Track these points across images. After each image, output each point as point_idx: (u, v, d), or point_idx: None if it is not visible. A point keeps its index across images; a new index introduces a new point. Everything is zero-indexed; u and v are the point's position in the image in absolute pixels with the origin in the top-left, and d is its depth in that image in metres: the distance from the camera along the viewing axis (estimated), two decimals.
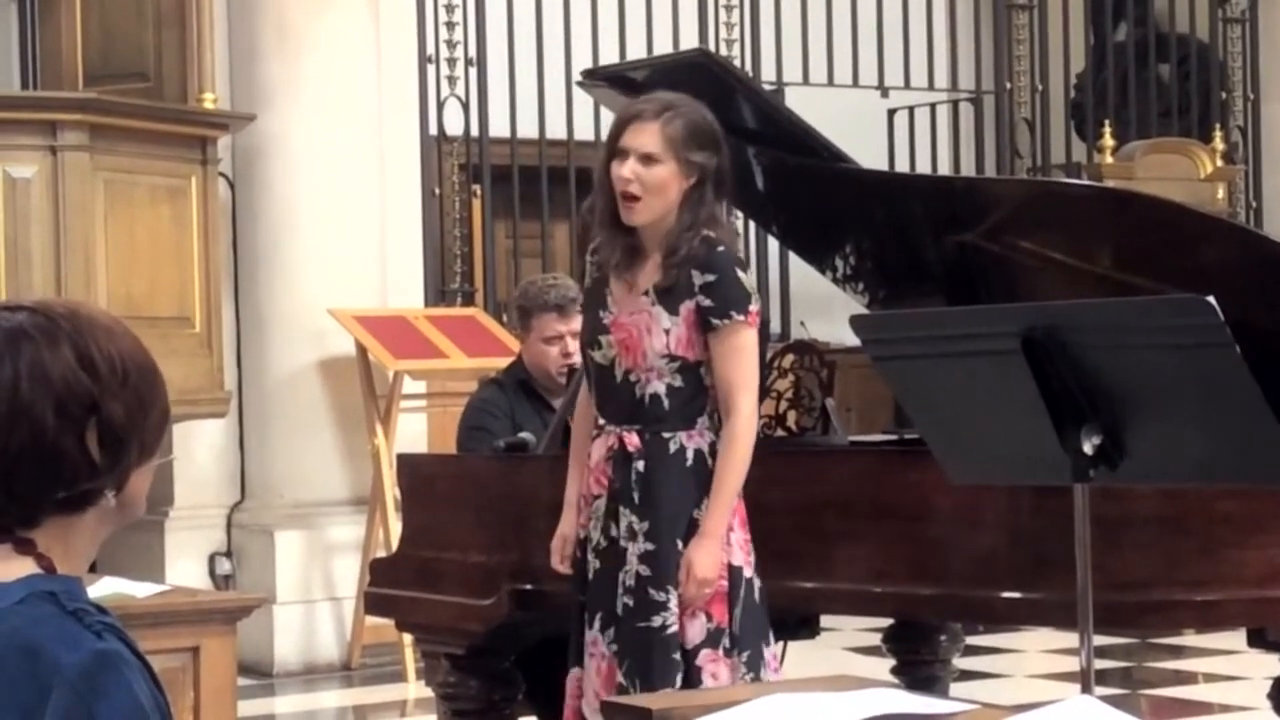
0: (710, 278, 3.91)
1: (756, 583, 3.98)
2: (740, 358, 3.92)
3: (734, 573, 3.93)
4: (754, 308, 3.95)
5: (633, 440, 3.96)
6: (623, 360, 3.97)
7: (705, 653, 3.91)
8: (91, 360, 1.85)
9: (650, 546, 3.93)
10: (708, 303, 3.91)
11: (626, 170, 3.93)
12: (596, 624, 3.98)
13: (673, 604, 3.90)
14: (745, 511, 3.99)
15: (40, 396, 1.82)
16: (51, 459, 1.83)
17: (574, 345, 4.73)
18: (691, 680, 3.89)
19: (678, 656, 3.90)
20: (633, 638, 3.92)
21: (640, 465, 3.95)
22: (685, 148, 3.93)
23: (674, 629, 3.90)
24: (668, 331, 3.93)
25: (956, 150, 10.82)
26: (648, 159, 3.93)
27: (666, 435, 3.95)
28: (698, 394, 3.95)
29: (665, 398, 3.95)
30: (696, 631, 3.91)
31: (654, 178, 3.93)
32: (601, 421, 4.03)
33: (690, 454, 3.95)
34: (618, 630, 3.94)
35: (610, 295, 4.01)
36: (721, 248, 3.94)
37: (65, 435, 1.83)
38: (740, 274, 3.94)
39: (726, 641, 3.92)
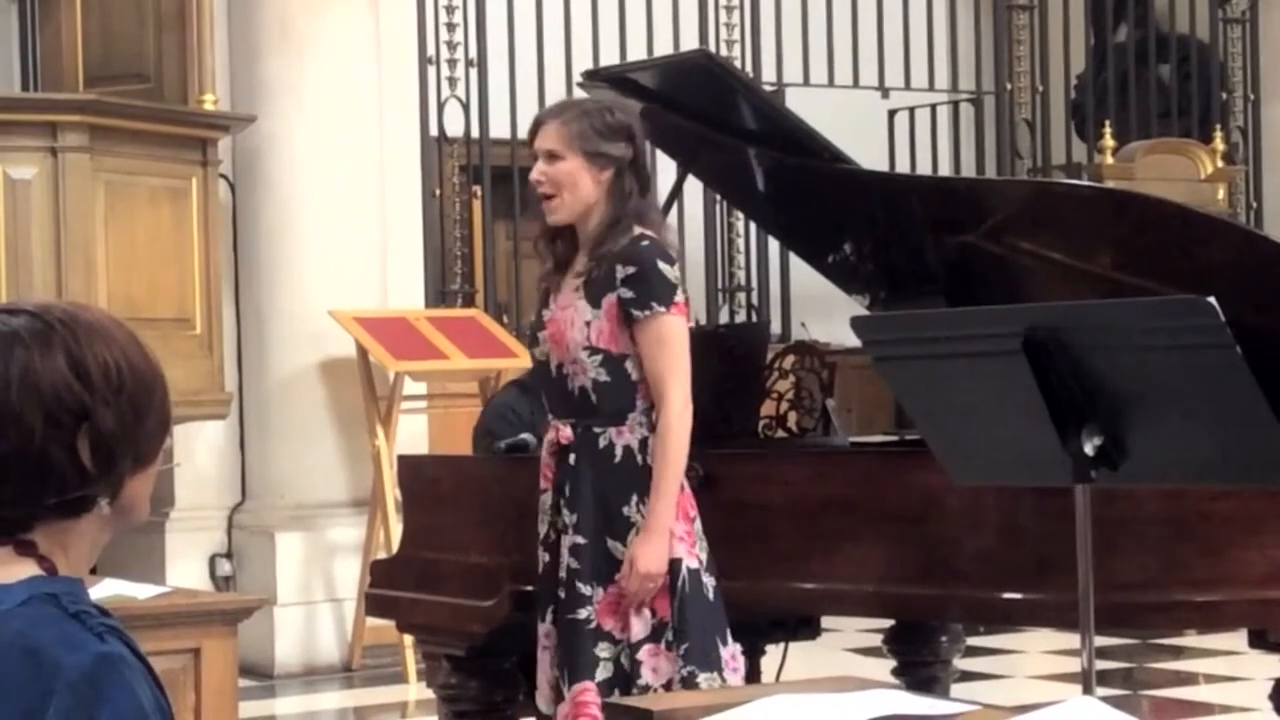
0: (631, 270, 3.96)
1: (706, 577, 3.99)
2: (665, 349, 3.95)
3: (673, 565, 3.95)
4: (678, 299, 3.98)
5: (566, 434, 4.03)
6: (555, 354, 4.05)
7: (647, 647, 3.95)
8: (85, 367, 1.84)
9: (579, 540, 3.99)
10: (629, 294, 3.96)
11: (535, 171, 4.07)
12: (548, 617, 4.05)
13: (596, 598, 3.95)
14: (691, 504, 4.01)
15: (29, 403, 1.81)
16: (40, 466, 1.82)
17: None
18: (634, 675, 3.93)
19: (599, 650, 3.94)
20: (562, 630, 3.99)
21: (572, 459, 4.02)
22: (588, 140, 4.01)
23: (595, 623, 3.95)
24: (589, 324, 3.99)
25: (957, 151, 10.82)
26: (551, 156, 4.03)
27: (597, 430, 4.01)
28: (626, 388, 3.99)
29: (592, 392, 4.00)
30: (640, 627, 3.95)
31: (559, 172, 4.02)
32: (550, 417, 4.12)
33: (619, 450, 3.99)
34: (557, 624, 4.02)
35: (553, 295, 4.09)
36: (646, 242, 3.99)
37: (54, 443, 1.82)
38: (663, 266, 3.97)
39: (669, 635, 3.95)
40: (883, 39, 10.12)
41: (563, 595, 3.99)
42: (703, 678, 3.91)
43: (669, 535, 3.93)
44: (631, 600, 3.93)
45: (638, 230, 4.00)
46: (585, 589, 3.96)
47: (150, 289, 7.25)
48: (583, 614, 3.96)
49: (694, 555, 3.99)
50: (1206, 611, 3.86)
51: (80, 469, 1.83)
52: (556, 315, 4.04)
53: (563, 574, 4.00)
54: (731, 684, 3.96)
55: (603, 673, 3.94)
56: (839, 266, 4.91)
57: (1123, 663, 7.89)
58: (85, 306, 1.91)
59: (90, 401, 1.83)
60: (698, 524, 4.03)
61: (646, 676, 3.92)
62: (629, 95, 4.68)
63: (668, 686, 3.90)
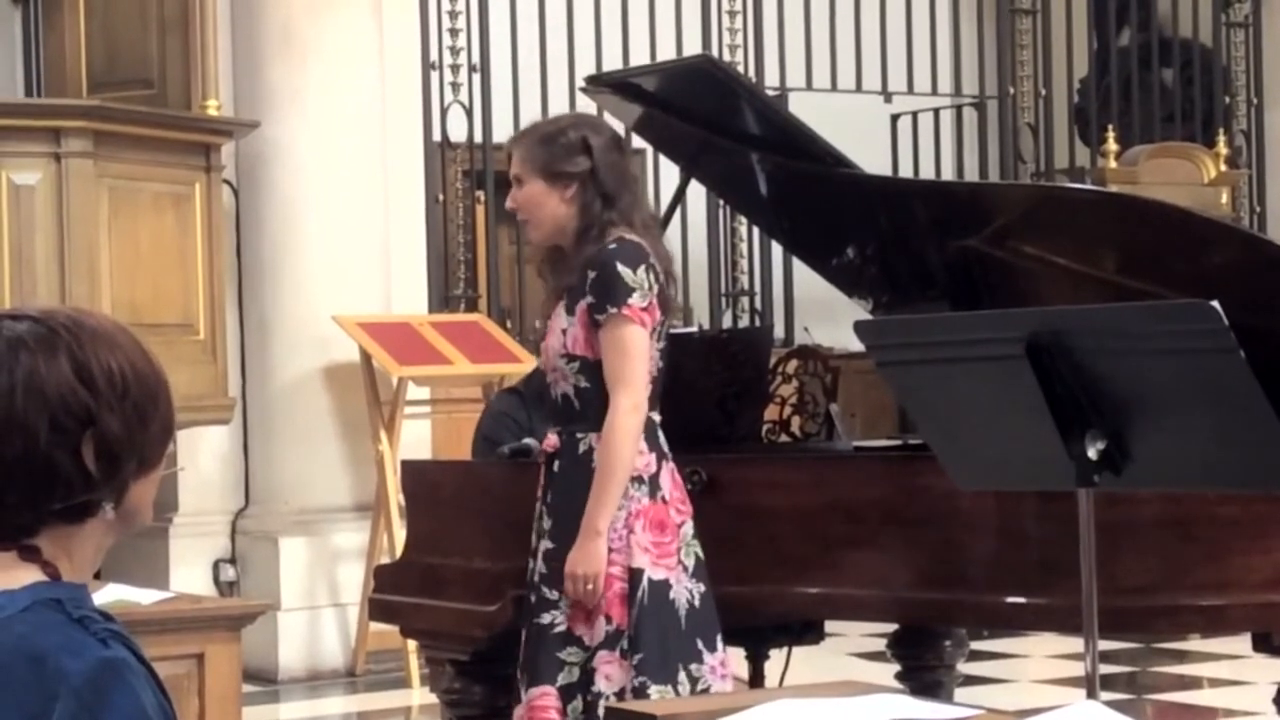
0: (594, 274, 3.98)
1: (684, 586, 3.98)
2: (616, 352, 3.95)
3: (634, 575, 3.95)
4: (635, 301, 3.95)
5: (551, 441, 4.06)
6: (543, 364, 4.12)
7: (602, 654, 3.95)
8: (90, 373, 1.84)
9: (550, 545, 4.01)
10: (591, 299, 3.98)
11: (509, 199, 4.15)
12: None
13: (564, 603, 3.96)
14: (672, 512, 4.00)
15: (35, 409, 1.81)
16: (45, 471, 1.82)
17: None
18: (588, 681, 3.93)
19: (566, 655, 3.95)
20: (527, 633, 4.01)
21: (556, 465, 4.05)
22: (542, 161, 4.06)
23: (562, 628, 3.96)
24: (564, 331, 4.02)
25: (960, 155, 10.82)
26: (516, 181, 4.12)
27: (579, 436, 4.02)
28: (606, 393, 3.98)
29: (574, 399, 4.02)
30: (598, 632, 3.95)
31: (523, 196, 4.10)
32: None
33: (597, 455, 3.98)
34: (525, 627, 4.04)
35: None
36: (614, 244, 4.00)
37: (59, 448, 1.82)
38: (623, 268, 3.96)
39: (624, 643, 3.94)
40: (886, 43, 10.12)
41: (532, 599, 4.02)
42: (654, 689, 3.89)
43: (602, 538, 3.93)
44: (575, 603, 3.94)
45: (617, 234, 4.02)
46: (551, 594, 3.98)
47: (154, 294, 7.25)
48: (545, 619, 3.98)
49: (661, 566, 3.96)
50: (1210, 615, 3.86)
51: (85, 474, 1.83)
52: (549, 325, 4.09)
53: (535, 579, 4.02)
54: (717, 690, 3.96)
55: (565, 677, 3.95)
56: (842, 271, 4.91)
57: (1127, 667, 7.89)
58: (89, 312, 1.91)
59: (95, 406, 1.83)
60: (686, 528, 4.01)
61: (600, 684, 3.92)
62: (631, 100, 4.69)
63: (620, 695, 3.90)
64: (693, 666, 3.96)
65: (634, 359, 3.95)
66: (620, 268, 3.96)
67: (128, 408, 1.85)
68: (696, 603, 3.99)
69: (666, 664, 3.94)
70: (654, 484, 3.99)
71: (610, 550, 3.95)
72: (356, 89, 8.10)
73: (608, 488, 3.93)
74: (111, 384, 1.85)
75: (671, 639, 3.95)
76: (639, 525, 3.96)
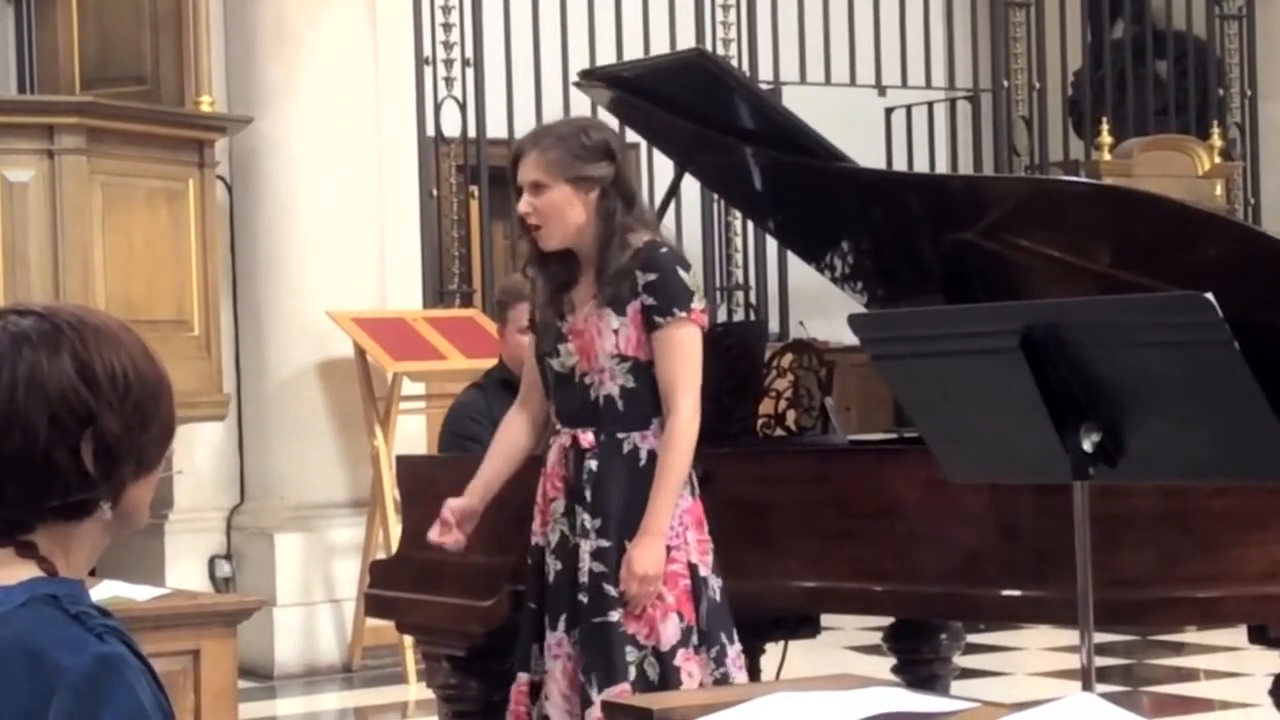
0: (652, 277, 3.97)
1: (714, 581, 4.01)
2: (680, 355, 3.96)
3: (694, 570, 3.97)
4: (696, 306, 3.99)
5: (587, 439, 4.02)
6: (581, 364, 4.03)
7: (681, 652, 3.94)
8: (92, 371, 1.84)
9: (603, 543, 3.98)
10: (650, 301, 3.97)
11: (522, 204, 4.06)
12: (560, 625, 4.02)
13: (619, 601, 3.95)
14: (701, 512, 4.02)
15: (35, 405, 1.81)
16: (43, 468, 1.82)
17: None
18: (669, 681, 3.91)
19: (627, 655, 3.93)
20: (589, 634, 3.96)
21: (594, 464, 4.01)
22: (569, 166, 4.01)
23: (623, 626, 3.94)
24: (616, 332, 3.99)
25: (954, 149, 10.82)
26: (536, 187, 4.03)
27: (620, 436, 4.01)
28: (650, 395, 3.99)
29: (619, 399, 4.00)
30: (672, 632, 3.94)
31: (546, 203, 4.02)
32: (558, 426, 4.09)
33: (644, 454, 3.99)
34: (579, 629, 3.98)
35: (567, 304, 4.07)
36: (664, 249, 4.02)
37: (58, 446, 1.82)
38: (682, 272, 3.99)
39: (695, 639, 3.96)
40: (879, 37, 10.12)
41: (585, 600, 3.97)
42: (738, 680, 3.94)
43: (664, 539, 3.93)
44: (630, 603, 3.92)
45: (647, 236, 4.02)
46: (613, 591, 3.95)
47: (148, 290, 7.25)
48: (614, 616, 3.94)
49: (705, 561, 4.00)
50: (1206, 607, 3.86)
51: (83, 473, 1.83)
52: (579, 326, 4.03)
53: (584, 579, 3.97)
54: (736, 682, 3.97)
55: (631, 674, 3.92)
56: (836, 265, 4.91)
57: (1123, 659, 7.90)
58: (93, 310, 1.91)
59: (96, 405, 1.83)
60: (704, 528, 4.04)
61: (685, 682, 3.91)
62: (625, 94, 4.68)
63: None
64: None
65: (694, 362, 3.98)
66: (680, 272, 3.98)
67: (129, 408, 1.85)
68: (717, 596, 4.01)
69: (727, 655, 3.97)
70: (690, 483, 4.02)
71: (671, 549, 3.95)
72: (350, 84, 8.10)
73: (672, 489, 3.94)
74: (113, 383, 1.85)
75: (723, 629, 3.99)
76: (690, 522, 4.00)
